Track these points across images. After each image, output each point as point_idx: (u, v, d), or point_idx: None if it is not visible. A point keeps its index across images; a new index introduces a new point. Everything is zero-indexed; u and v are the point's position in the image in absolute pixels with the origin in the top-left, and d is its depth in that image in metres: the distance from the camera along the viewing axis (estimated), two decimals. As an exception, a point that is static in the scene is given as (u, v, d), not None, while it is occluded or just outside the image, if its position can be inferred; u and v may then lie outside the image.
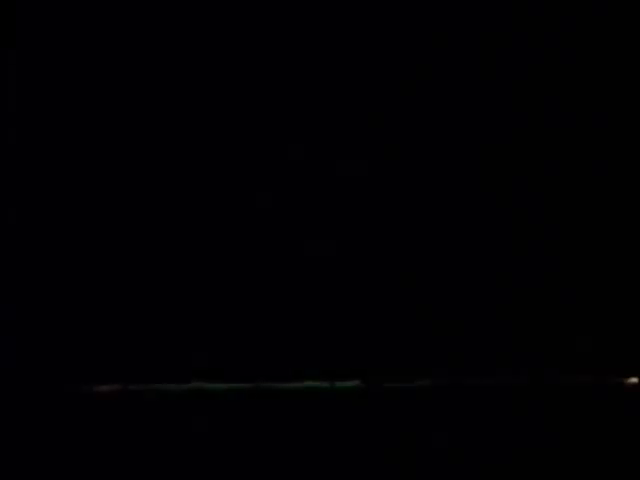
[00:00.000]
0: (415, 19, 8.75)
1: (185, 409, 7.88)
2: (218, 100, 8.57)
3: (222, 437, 6.77)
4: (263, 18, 8.48)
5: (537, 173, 9.55)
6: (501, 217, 9.84)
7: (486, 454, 6.59)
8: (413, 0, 8.77)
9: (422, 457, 6.54)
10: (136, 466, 6.39)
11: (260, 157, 8.59)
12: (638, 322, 9.29)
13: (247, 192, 8.70)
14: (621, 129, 9.35)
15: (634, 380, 9.23)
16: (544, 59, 9.31)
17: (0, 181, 8.42)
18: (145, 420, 7.35)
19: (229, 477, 6.39)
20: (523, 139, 9.23)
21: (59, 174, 8.62)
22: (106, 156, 8.37)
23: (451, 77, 9.01)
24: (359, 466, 6.46)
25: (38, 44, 8.26)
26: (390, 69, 8.75)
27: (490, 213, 9.92)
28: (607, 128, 9.30)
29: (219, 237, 9.17)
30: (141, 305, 8.87)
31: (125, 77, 8.42)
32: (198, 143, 8.48)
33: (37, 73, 8.32)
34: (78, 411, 7.67)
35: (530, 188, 9.61)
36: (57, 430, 6.85)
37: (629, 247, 9.32)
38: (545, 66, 9.51)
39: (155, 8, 8.46)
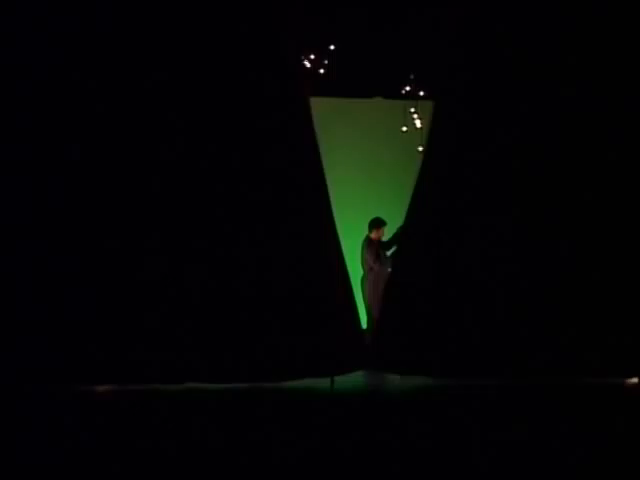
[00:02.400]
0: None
1: (184, 409, 7.87)
2: None
3: (222, 437, 6.77)
4: None
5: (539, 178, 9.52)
6: (502, 218, 9.83)
7: (486, 454, 6.58)
8: None
9: (422, 457, 6.54)
10: (136, 466, 6.37)
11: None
12: (638, 323, 9.29)
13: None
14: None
15: (634, 380, 9.23)
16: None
17: None
18: (145, 420, 7.36)
19: (229, 477, 6.38)
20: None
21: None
22: None
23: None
24: (359, 466, 6.45)
25: None
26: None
27: (489, 215, 9.88)
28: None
29: (218, 237, 9.14)
30: (140, 306, 8.86)
31: None
32: None
33: None
34: (78, 411, 7.66)
35: (527, 194, 9.58)
36: (57, 430, 6.85)
37: (629, 251, 9.31)
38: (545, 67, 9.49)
39: None
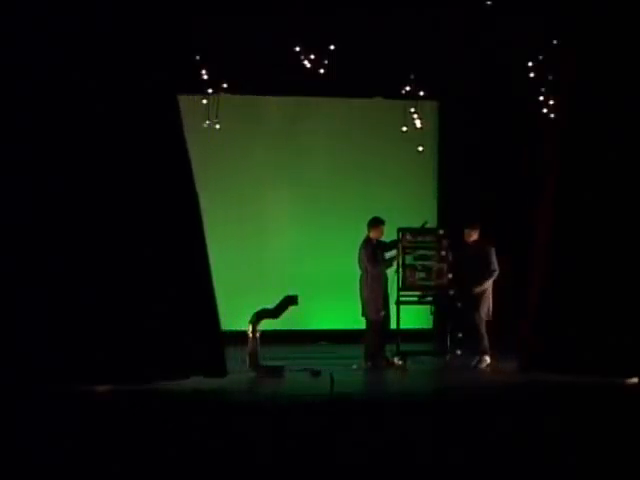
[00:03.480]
0: None
1: (185, 409, 7.88)
2: None
3: (222, 437, 6.78)
4: None
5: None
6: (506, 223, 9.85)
7: (486, 453, 6.59)
8: None
9: (422, 457, 6.54)
10: (136, 466, 6.37)
11: None
12: (638, 323, 9.29)
13: None
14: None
15: (634, 380, 9.23)
16: None
17: None
18: (144, 420, 7.37)
19: (228, 477, 6.39)
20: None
21: None
22: None
23: None
24: (359, 466, 6.45)
25: None
26: None
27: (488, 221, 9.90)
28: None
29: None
30: (139, 307, 8.86)
31: None
32: None
33: None
34: (78, 411, 7.67)
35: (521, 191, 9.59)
36: (57, 429, 6.86)
37: (629, 251, 9.31)
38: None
39: None
